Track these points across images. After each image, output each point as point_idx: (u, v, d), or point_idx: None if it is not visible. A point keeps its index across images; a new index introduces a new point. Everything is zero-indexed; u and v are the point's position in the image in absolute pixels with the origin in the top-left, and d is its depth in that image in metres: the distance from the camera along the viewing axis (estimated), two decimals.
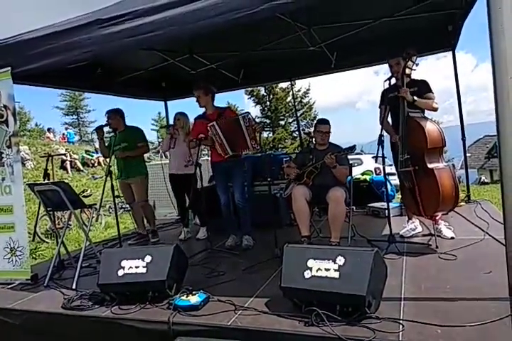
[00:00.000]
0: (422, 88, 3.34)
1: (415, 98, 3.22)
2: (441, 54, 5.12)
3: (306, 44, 4.52)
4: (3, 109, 3.39)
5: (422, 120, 3.20)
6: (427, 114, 3.40)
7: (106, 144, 4.48)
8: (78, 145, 18.96)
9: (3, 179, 3.37)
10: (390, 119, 3.64)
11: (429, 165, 3.10)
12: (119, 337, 2.40)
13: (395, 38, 4.27)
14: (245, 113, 3.85)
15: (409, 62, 3.25)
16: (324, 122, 3.64)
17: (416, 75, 3.41)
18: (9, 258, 3.34)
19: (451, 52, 4.88)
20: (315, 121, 3.91)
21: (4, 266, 3.35)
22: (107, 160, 4.09)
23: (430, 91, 3.35)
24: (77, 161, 14.21)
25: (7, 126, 3.37)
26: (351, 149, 3.38)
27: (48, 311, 2.66)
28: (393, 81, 3.46)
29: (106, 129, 4.34)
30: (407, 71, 3.27)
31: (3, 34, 3.42)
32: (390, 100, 3.43)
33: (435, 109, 3.34)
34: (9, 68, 3.31)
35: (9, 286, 3.25)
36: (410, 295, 2.31)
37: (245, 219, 3.98)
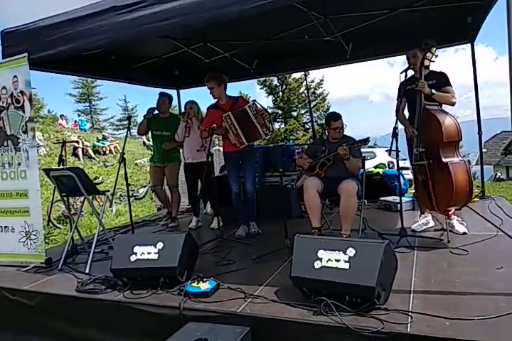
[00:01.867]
0: (441, 81, 3.28)
1: (433, 91, 3.16)
2: (460, 46, 5.02)
3: (321, 34, 4.46)
4: (19, 94, 3.43)
5: (439, 113, 3.16)
6: (444, 107, 3.35)
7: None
8: (90, 133, 19.13)
9: (19, 164, 3.43)
10: (406, 112, 3.58)
11: (444, 159, 3.06)
12: (131, 320, 2.45)
13: (413, 29, 4.18)
14: (252, 101, 3.87)
15: (428, 54, 3.19)
16: (336, 118, 3.54)
17: (434, 67, 3.36)
18: (24, 242, 3.42)
19: (469, 45, 4.78)
20: (326, 116, 3.81)
21: (19, 249, 3.43)
22: (118, 147, 4.18)
23: (449, 84, 3.29)
24: (88, 148, 14.35)
25: (23, 111, 3.42)
26: (365, 141, 3.36)
27: (61, 294, 2.73)
28: (410, 73, 3.40)
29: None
30: (426, 63, 3.22)
31: (24, 20, 3.45)
32: (407, 92, 3.37)
33: (453, 104, 3.28)
34: (26, 54, 3.34)
35: (24, 269, 3.33)
36: (420, 288, 2.31)
37: (252, 207, 4.05)
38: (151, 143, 4.79)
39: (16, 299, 2.85)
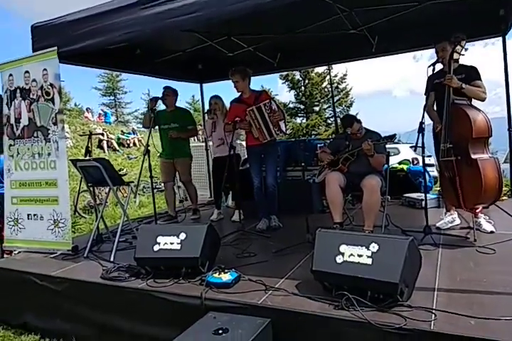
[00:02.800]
0: (471, 75, 3.19)
1: (463, 85, 3.07)
2: (490, 40, 4.85)
3: (346, 27, 4.38)
4: (49, 87, 3.53)
5: (468, 108, 3.07)
6: (473, 103, 3.24)
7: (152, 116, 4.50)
8: (115, 126, 19.51)
9: (48, 154, 3.54)
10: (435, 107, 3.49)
11: (473, 156, 2.98)
12: (153, 308, 2.50)
13: (441, 22, 4.06)
14: (268, 101, 3.85)
15: (458, 47, 3.09)
16: (348, 125, 3.45)
17: (464, 62, 3.26)
18: (52, 230, 3.53)
19: (501, 39, 4.60)
20: (341, 121, 3.76)
21: (48, 236, 3.55)
22: (142, 140, 4.21)
23: (479, 78, 3.19)
24: (113, 141, 14.65)
25: (53, 103, 3.52)
26: (391, 138, 3.26)
27: (87, 280, 2.82)
28: (439, 66, 3.31)
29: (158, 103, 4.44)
30: (455, 56, 3.12)
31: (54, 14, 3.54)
32: (436, 86, 3.28)
33: (483, 99, 3.18)
34: (55, 48, 3.43)
35: (52, 256, 3.45)
36: (444, 286, 2.27)
37: (273, 201, 4.05)
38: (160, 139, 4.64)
39: (43, 284, 2.96)
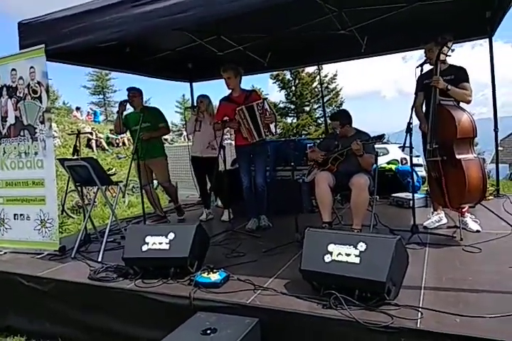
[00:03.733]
0: (459, 76, 3.23)
1: (449, 87, 3.11)
2: (478, 42, 4.92)
3: (336, 27, 4.41)
4: (37, 85, 3.48)
5: (454, 108, 3.11)
6: (461, 104, 3.28)
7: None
8: (104, 125, 19.33)
9: (35, 153, 3.50)
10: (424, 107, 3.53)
11: (458, 156, 3.02)
12: (141, 309, 2.49)
13: (429, 23, 4.10)
14: (262, 100, 3.87)
15: (444, 48, 3.14)
16: (332, 118, 3.64)
17: (454, 62, 3.30)
18: (39, 230, 3.49)
19: (488, 40, 4.68)
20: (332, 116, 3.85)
21: (35, 236, 3.50)
22: (130, 140, 4.16)
23: (467, 80, 3.23)
24: (102, 140, 14.52)
25: (41, 102, 3.47)
26: (380, 138, 3.29)
27: (74, 281, 2.79)
28: (429, 67, 3.35)
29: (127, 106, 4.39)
30: (442, 57, 3.17)
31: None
32: (424, 87, 3.31)
33: (467, 101, 3.22)
34: (43, 45, 3.38)
35: (38, 256, 3.40)
36: (431, 284, 2.30)
37: (263, 201, 4.05)
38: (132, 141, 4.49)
39: (30, 285, 2.92)
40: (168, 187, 4.62)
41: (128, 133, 4.63)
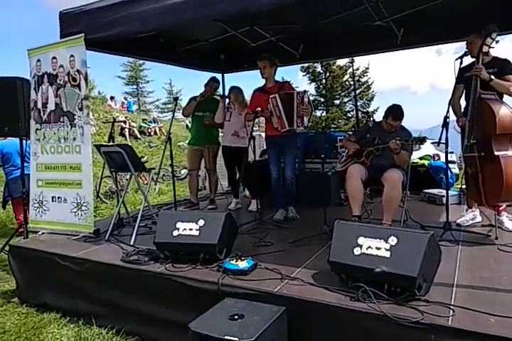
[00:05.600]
0: (504, 68, 3.08)
1: (492, 77, 2.98)
2: None
3: (372, 18, 4.29)
4: (76, 73, 3.59)
5: (494, 102, 2.98)
6: (505, 99, 3.14)
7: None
8: (137, 114, 19.75)
9: (74, 139, 3.62)
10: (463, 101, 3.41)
11: (496, 152, 2.90)
12: (171, 292, 2.56)
13: (468, 15, 3.91)
14: (303, 91, 3.85)
15: (488, 39, 3.00)
16: (395, 118, 3.31)
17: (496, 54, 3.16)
18: (76, 212, 3.63)
19: None
20: (389, 107, 3.46)
21: (71, 218, 3.65)
22: (163, 129, 4.26)
23: (511, 73, 3.09)
24: (135, 129, 14.86)
25: (80, 89, 3.58)
26: (421, 141, 3.12)
27: (108, 262, 2.89)
28: (469, 60, 3.22)
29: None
30: (485, 49, 3.03)
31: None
32: (465, 80, 3.19)
33: None
34: (83, 35, 3.47)
35: (74, 238, 3.55)
36: (463, 282, 2.24)
37: (291, 192, 4.06)
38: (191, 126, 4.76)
39: (66, 264, 3.06)
40: (213, 175, 4.80)
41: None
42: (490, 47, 3.07)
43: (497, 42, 3.11)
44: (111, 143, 3.78)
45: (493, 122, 2.88)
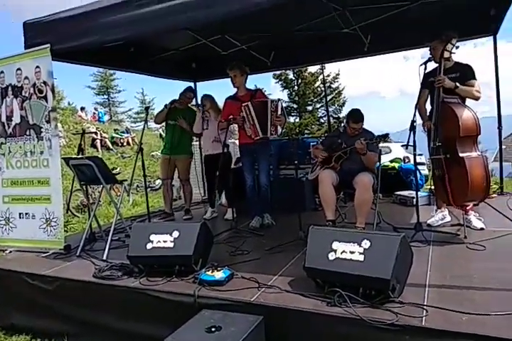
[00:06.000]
0: (466, 74, 3.21)
1: (457, 84, 3.10)
2: (480, 41, 4.91)
3: (340, 26, 4.40)
4: (42, 84, 3.50)
5: (457, 106, 3.09)
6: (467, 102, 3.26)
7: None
8: (108, 125, 19.37)
9: (41, 152, 3.52)
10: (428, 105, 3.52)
11: (461, 154, 3.01)
12: (146, 307, 2.50)
13: (433, 22, 4.09)
14: (277, 99, 3.89)
15: (449, 45, 3.12)
16: (356, 120, 3.42)
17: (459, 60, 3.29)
18: (45, 228, 3.51)
19: (491, 39, 4.67)
20: (349, 112, 3.67)
21: (40, 235, 3.53)
22: (136, 139, 4.22)
23: (474, 77, 3.21)
24: (106, 140, 14.57)
25: (46, 101, 3.50)
26: (384, 137, 3.27)
27: (79, 279, 2.80)
28: (433, 65, 3.33)
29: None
30: (446, 54, 3.16)
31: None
32: (430, 84, 3.29)
33: (477, 98, 3.20)
34: (48, 45, 3.41)
35: (44, 255, 3.42)
36: (435, 282, 2.29)
37: (266, 199, 4.07)
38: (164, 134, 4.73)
39: (35, 283, 2.94)
40: (187, 186, 4.75)
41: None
42: (451, 52, 3.20)
43: (457, 47, 3.23)
44: (80, 156, 3.70)
45: (457, 125, 2.99)
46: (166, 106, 4.54)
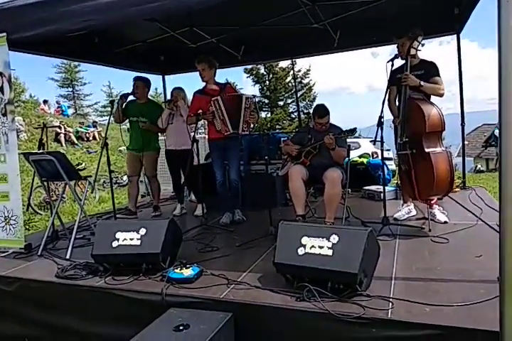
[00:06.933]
0: (430, 71, 3.28)
1: (422, 83, 3.17)
2: (445, 39, 5.06)
3: (309, 21, 4.40)
4: None
5: (423, 103, 3.17)
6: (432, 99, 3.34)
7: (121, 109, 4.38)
8: (73, 119, 18.70)
9: None
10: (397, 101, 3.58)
11: (427, 149, 3.09)
12: (112, 307, 2.42)
13: (400, 19, 4.15)
14: (252, 95, 3.85)
15: (415, 42, 3.19)
16: (321, 115, 3.47)
17: (424, 57, 3.36)
18: (3, 227, 3.33)
19: (455, 38, 4.81)
20: (314, 108, 3.73)
21: None
22: (102, 134, 4.07)
23: (438, 74, 3.29)
24: (71, 134, 14.03)
25: (2, 93, 3.30)
26: (351, 131, 3.34)
27: (41, 279, 2.68)
28: (400, 62, 3.39)
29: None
30: (412, 51, 3.22)
31: None
32: (397, 81, 3.35)
33: (441, 95, 3.28)
34: (5, 34, 3.20)
35: (3, 255, 3.26)
36: (401, 275, 2.35)
37: (237, 195, 4.05)
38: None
39: None
40: (154, 182, 4.62)
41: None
42: (417, 50, 3.27)
43: (423, 45, 3.30)
44: (41, 151, 3.53)
45: (423, 121, 3.06)
46: (117, 103, 4.30)
